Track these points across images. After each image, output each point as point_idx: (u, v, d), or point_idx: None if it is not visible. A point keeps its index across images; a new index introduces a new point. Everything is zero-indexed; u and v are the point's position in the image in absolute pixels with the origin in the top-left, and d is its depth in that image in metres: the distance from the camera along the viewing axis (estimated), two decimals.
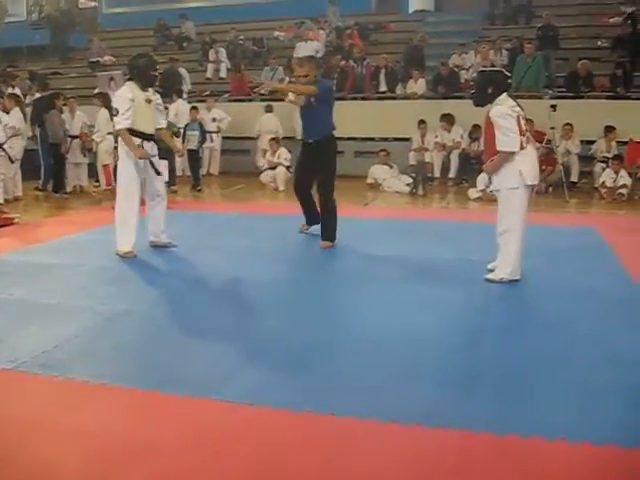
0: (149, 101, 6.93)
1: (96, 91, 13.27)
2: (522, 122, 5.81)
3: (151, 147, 7.02)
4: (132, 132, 6.85)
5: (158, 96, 7.24)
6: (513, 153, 5.73)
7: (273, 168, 12.49)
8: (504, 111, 5.74)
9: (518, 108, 5.85)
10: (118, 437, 3.31)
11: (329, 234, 7.38)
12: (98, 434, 3.33)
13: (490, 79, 6.00)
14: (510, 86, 6.12)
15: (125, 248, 6.91)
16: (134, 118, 6.80)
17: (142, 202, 7.12)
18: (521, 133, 5.75)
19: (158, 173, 7.11)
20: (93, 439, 3.29)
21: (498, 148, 5.76)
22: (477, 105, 6.09)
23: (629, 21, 13.84)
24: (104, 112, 11.23)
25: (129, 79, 7.07)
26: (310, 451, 3.17)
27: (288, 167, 12.12)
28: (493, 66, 13.75)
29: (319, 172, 7.40)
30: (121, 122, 6.78)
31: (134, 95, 6.81)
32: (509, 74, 6.22)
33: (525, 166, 5.77)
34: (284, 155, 12.44)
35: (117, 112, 6.80)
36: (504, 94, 5.88)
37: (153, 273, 6.49)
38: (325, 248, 7.30)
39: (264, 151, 13.38)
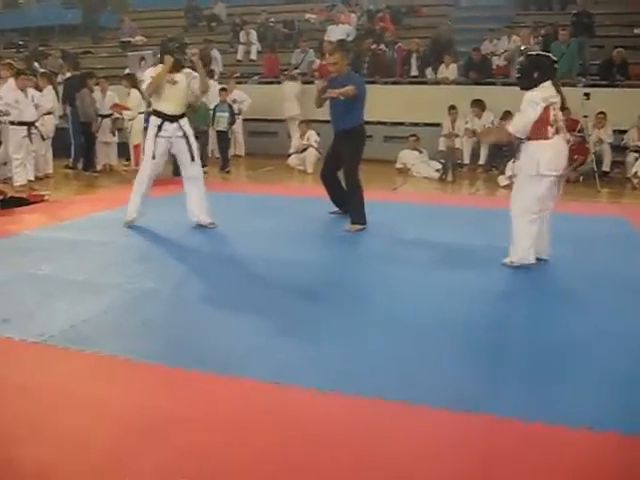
0: (174, 82, 7.01)
1: (127, 71, 13.32)
2: (553, 112, 5.75)
3: (175, 129, 7.08)
4: (155, 112, 7.09)
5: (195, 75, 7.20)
6: (518, 138, 5.85)
7: (302, 151, 12.45)
8: (533, 99, 5.70)
9: (555, 99, 5.79)
10: (143, 412, 3.33)
11: (357, 216, 7.36)
12: (124, 407, 3.36)
13: (536, 64, 5.89)
14: (556, 72, 6.03)
15: (126, 217, 7.30)
16: (157, 98, 7.05)
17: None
18: (549, 123, 5.71)
19: (193, 158, 7.18)
20: (119, 412, 3.31)
21: (508, 126, 5.89)
22: (522, 88, 5.95)
23: None
24: (135, 92, 11.33)
25: (160, 61, 7.24)
26: (335, 431, 3.16)
27: (317, 149, 12.10)
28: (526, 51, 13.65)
29: (345, 159, 7.42)
30: (144, 88, 7.18)
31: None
32: (556, 59, 6.10)
33: (545, 155, 5.71)
34: (313, 137, 12.40)
35: (144, 83, 7.14)
36: (548, 81, 5.80)
37: (181, 252, 6.51)
38: (354, 231, 7.27)
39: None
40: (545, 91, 5.77)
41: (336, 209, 7.95)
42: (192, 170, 7.23)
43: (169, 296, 5.19)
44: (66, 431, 3.13)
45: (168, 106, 7.05)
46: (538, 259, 5.97)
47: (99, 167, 12.05)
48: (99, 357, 3.95)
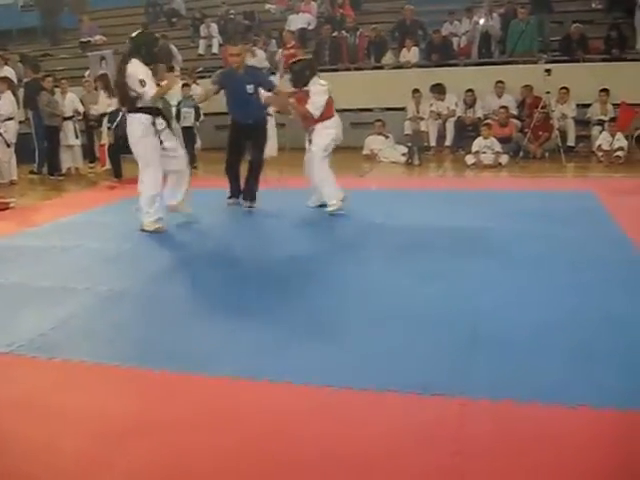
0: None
1: (101, 72, 13.17)
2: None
3: (161, 121, 7.03)
4: (143, 109, 6.91)
5: None
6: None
7: None
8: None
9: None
10: (116, 416, 3.31)
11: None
12: (96, 414, 3.34)
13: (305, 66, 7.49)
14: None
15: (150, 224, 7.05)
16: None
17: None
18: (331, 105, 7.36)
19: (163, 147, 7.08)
20: (91, 419, 3.29)
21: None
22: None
23: None
24: (103, 93, 11.37)
25: (132, 56, 6.92)
26: (309, 423, 3.18)
27: None
28: (487, 32, 13.72)
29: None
30: (151, 89, 6.80)
31: (147, 71, 6.85)
32: None
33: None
34: None
35: (144, 83, 6.76)
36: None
37: (150, 252, 6.46)
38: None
39: None
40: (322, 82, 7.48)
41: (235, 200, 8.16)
42: (183, 158, 7.32)
43: (139, 297, 5.16)
44: (37, 440, 3.11)
45: (156, 101, 7.07)
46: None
47: (64, 170, 11.92)
48: (69, 364, 3.92)
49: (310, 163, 7.51)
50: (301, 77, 7.45)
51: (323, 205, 7.56)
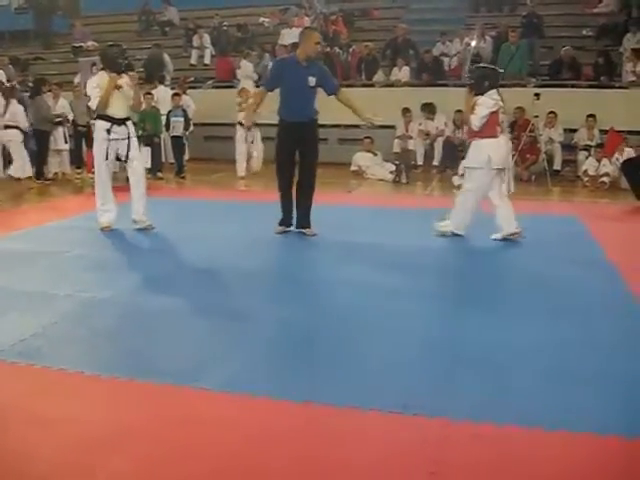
0: (119, 87, 7.24)
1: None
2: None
3: (122, 131, 7.30)
4: (102, 117, 7.26)
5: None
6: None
7: None
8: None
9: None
10: (94, 425, 3.28)
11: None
12: (74, 422, 3.30)
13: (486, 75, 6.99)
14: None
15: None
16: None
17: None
18: (497, 124, 6.82)
19: (118, 158, 7.45)
20: (69, 427, 3.26)
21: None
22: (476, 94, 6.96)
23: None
24: None
25: (102, 68, 7.50)
26: (288, 440, 3.16)
27: None
28: (478, 54, 13.85)
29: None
30: (93, 104, 7.35)
31: (101, 82, 7.23)
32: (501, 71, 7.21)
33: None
34: None
35: (89, 97, 7.35)
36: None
37: (135, 260, 6.46)
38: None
39: None
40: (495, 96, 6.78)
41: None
42: (139, 170, 7.49)
43: (122, 305, 5.13)
44: (14, 448, 3.08)
45: (115, 110, 7.27)
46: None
47: (51, 175, 11.87)
48: (48, 371, 3.89)
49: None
50: (479, 85, 6.95)
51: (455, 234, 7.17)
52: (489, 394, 3.60)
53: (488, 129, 6.85)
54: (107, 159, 7.29)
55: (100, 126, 7.28)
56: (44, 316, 4.78)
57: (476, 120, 6.80)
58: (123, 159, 7.40)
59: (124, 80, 7.29)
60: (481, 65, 7.46)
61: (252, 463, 2.98)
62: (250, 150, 12.03)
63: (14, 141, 10.93)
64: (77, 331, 4.58)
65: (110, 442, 3.13)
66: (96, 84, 7.23)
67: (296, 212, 7.32)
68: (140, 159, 7.68)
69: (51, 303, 5.07)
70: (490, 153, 6.77)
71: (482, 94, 6.86)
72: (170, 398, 3.59)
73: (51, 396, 3.61)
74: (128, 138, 7.35)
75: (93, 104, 7.28)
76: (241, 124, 11.69)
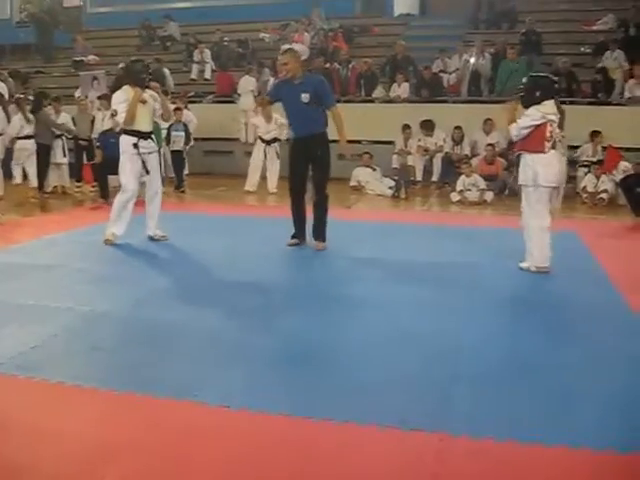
0: (144, 102, 7.31)
1: (102, 93, 13.54)
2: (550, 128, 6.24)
3: (147, 145, 7.40)
4: (128, 132, 7.31)
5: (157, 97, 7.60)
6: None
7: None
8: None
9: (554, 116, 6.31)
10: (93, 438, 3.28)
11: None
12: (72, 436, 3.31)
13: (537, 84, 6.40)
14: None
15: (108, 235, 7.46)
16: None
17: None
18: (545, 138, 6.22)
19: (147, 172, 7.45)
20: (67, 441, 3.26)
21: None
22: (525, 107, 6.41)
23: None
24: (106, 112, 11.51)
25: (126, 83, 7.49)
26: (287, 455, 3.16)
27: None
28: (476, 70, 13.92)
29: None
30: (119, 119, 7.36)
31: (127, 97, 7.25)
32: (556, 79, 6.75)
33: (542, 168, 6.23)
34: None
35: (116, 112, 7.39)
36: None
37: (135, 274, 6.45)
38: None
39: None
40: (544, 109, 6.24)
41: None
42: (157, 184, 7.61)
43: (121, 319, 5.14)
44: (12, 460, 3.08)
45: (141, 124, 7.34)
46: None
47: (50, 189, 11.88)
48: (48, 384, 3.89)
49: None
50: (529, 95, 6.36)
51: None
52: (488, 409, 3.60)
53: (534, 143, 6.26)
54: (148, 173, 7.42)
55: (127, 141, 7.31)
56: (43, 329, 4.78)
57: (514, 129, 6.31)
58: (146, 173, 7.45)
59: (148, 94, 7.38)
60: (533, 74, 6.79)
61: (250, 477, 2.98)
62: (265, 165, 12.05)
63: (30, 150, 11.04)
64: (76, 344, 4.58)
65: (109, 455, 3.13)
66: (123, 99, 7.26)
67: (313, 224, 7.47)
68: (159, 174, 7.74)
69: (51, 316, 5.08)
70: (537, 169, 6.21)
71: (532, 105, 6.27)
72: (169, 411, 3.59)
73: (50, 409, 3.62)
74: (156, 152, 7.52)
75: (120, 119, 7.32)
76: (262, 139, 11.84)
